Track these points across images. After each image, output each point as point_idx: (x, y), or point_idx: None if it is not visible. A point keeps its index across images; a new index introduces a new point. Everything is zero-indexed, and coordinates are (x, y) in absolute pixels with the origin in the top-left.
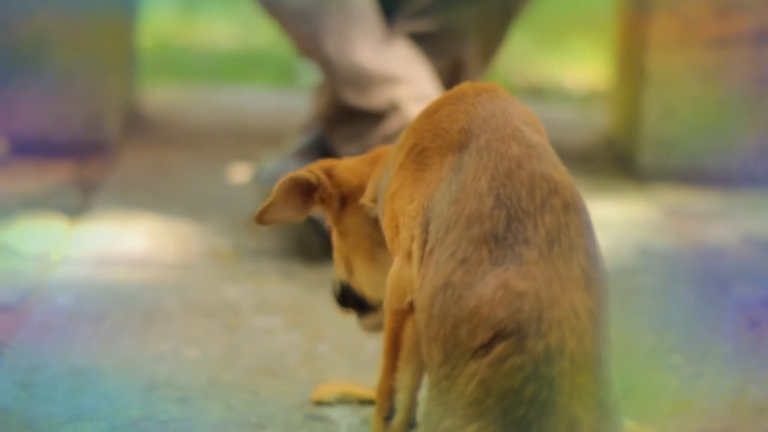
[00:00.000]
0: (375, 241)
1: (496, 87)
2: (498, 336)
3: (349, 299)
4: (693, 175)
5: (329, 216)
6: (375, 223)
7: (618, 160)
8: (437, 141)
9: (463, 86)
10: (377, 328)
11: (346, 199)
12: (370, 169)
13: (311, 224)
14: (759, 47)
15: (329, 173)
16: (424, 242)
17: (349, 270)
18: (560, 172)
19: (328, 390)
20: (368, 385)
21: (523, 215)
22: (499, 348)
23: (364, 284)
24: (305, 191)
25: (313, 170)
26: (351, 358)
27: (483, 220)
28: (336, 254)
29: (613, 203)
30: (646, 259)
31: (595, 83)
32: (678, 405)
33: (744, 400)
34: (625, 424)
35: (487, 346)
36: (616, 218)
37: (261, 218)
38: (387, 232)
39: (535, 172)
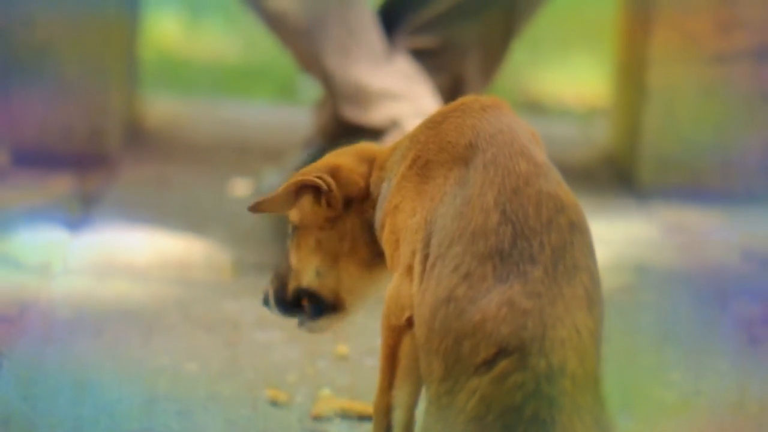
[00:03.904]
0: (372, 249)
1: (501, 103)
2: (501, 353)
3: (297, 304)
4: (693, 193)
5: (324, 217)
6: (372, 230)
7: (618, 177)
8: (443, 155)
9: (467, 99)
10: (327, 328)
11: (351, 201)
12: (368, 168)
13: None
14: (760, 64)
15: (334, 175)
16: (426, 257)
17: (323, 273)
18: (565, 191)
19: (328, 405)
20: (367, 400)
21: (529, 232)
22: (502, 365)
23: (343, 289)
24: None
25: (323, 176)
26: (350, 372)
27: (488, 236)
28: (304, 257)
29: (613, 220)
30: (646, 277)
31: (596, 99)
32: (677, 422)
33: (743, 417)
34: None
35: (489, 363)
36: (616, 235)
37: (256, 208)
38: (386, 247)
39: (541, 189)
